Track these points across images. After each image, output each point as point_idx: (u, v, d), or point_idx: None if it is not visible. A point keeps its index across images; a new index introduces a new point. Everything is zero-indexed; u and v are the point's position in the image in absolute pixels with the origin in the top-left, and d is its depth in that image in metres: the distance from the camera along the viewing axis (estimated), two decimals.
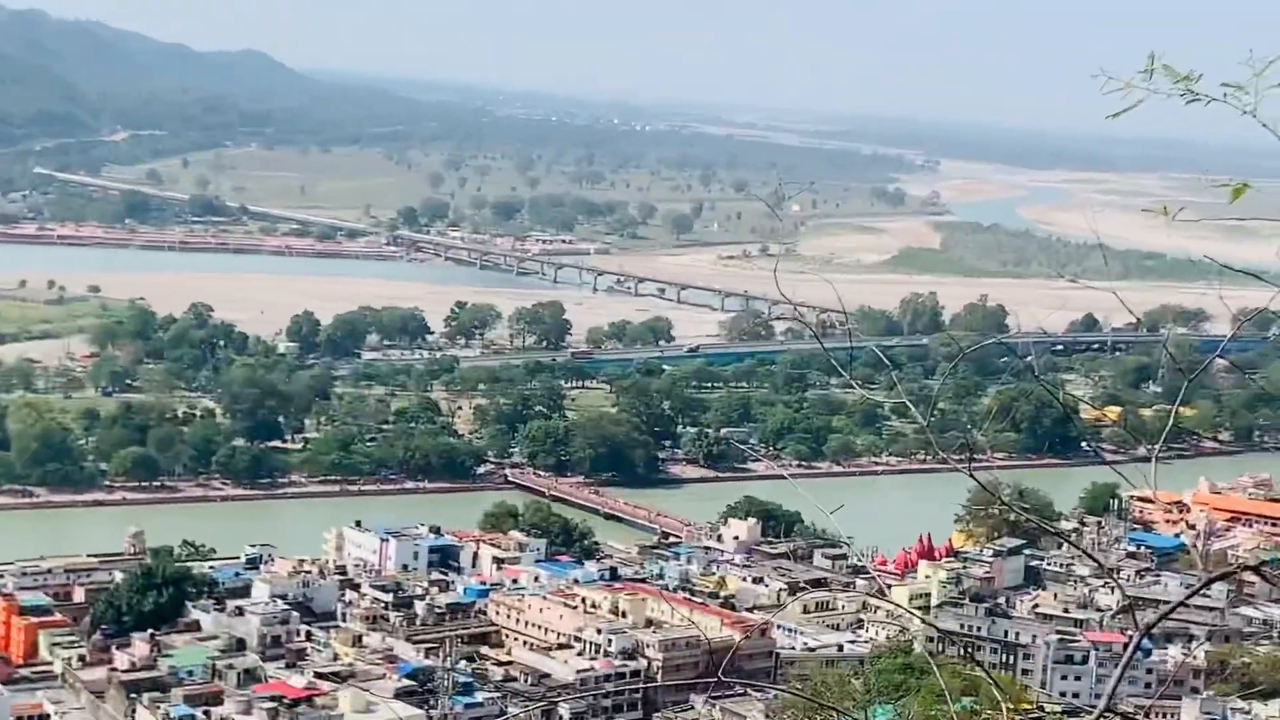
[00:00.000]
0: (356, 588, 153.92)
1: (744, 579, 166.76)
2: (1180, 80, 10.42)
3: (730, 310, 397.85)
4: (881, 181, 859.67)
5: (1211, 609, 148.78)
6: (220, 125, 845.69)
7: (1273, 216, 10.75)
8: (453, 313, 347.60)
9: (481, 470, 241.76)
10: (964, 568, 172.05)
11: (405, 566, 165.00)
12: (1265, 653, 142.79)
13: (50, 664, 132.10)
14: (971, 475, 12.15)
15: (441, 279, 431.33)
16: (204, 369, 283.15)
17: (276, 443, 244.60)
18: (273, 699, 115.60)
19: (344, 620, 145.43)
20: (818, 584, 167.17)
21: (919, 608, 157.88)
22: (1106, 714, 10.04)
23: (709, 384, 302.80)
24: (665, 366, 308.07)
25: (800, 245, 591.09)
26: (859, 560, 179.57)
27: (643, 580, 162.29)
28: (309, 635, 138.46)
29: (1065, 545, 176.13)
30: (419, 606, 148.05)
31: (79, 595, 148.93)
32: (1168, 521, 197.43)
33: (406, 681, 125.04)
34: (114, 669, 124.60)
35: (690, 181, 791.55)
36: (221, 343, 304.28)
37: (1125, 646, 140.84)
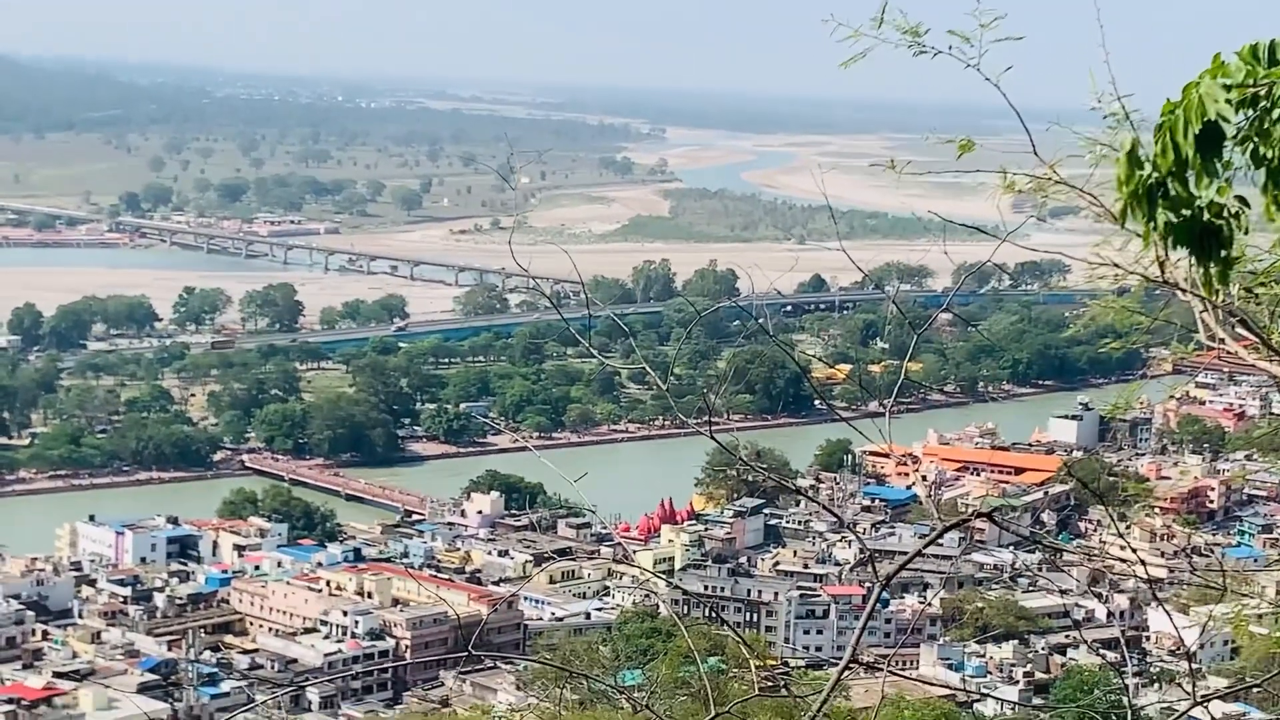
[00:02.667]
0: (93, 583, 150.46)
1: (489, 553, 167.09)
2: (908, 31, 10.73)
3: (465, 285, 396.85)
4: (609, 151, 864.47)
5: (945, 557, 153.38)
6: None
7: (991, 170, 11.16)
8: (181, 299, 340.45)
9: (218, 457, 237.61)
10: (705, 530, 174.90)
11: (143, 559, 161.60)
12: (997, 597, 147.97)
13: None
14: (712, 437, 12.40)
15: (168, 264, 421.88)
16: None
17: (2, 440, 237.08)
18: (10, 701, 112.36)
19: (81, 617, 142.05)
20: (562, 554, 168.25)
21: (664, 572, 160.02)
22: (851, 665, 10.42)
23: (446, 360, 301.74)
24: (401, 344, 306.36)
25: (531, 217, 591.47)
26: (603, 528, 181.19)
27: (387, 560, 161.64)
28: (45, 634, 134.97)
29: (803, 503, 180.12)
30: (159, 599, 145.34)
31: None
32: (900, 474, 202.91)
33: (149, 676, 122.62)
34: None
35: (418, 157, 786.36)
36: None
37: (864, 598, 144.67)
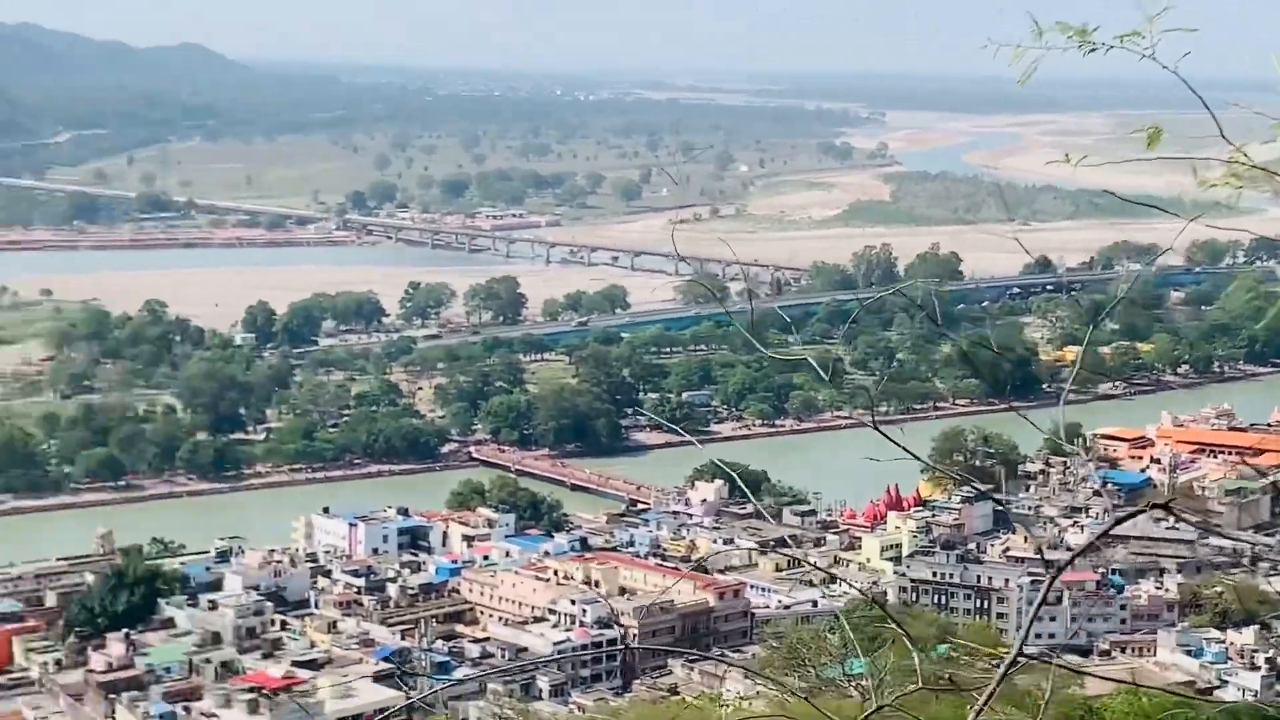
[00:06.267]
0: (328, 574, 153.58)
1: (714, 541, 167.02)
2: (1075, 34, 10.40)
3: (685, 274, 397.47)
4: (828, 136, 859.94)
5: (1182, 541, 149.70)
6: (162, 120, 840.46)
7: (1182, 154, 10.67)
8: (407, 294, 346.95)
9: (445, 449, 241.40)
10: (933, 516, 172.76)
11: (375, 550, 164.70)
12: (1236, 581, 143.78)
13: (27, 670, 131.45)
14: (875, 428, 12.01)
15: (394, 260, 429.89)
16: (162, 365, 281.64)
17: (239, 434, 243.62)
18: (252, 690, 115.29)
19: (317, 607, 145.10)
20: (787, 542, 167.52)
21: (891, 559, 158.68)
22: (1020, 658, 10.10)
23: (668, 349, 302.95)
24: (623, 334, 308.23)
25: (750, 204, 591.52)
26: (828, 515, 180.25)
27: (613, 549, 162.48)
28: (283, 625, 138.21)
29: (1033, 487, 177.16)
30: (392, 589, 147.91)
31: (51, 599, 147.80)
32: (1133, 457, 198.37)
33: (384, 665, 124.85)
34: (91, 671, 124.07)
35: (637, 148, 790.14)
36: (178, 338, 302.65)
37: (1097, 584, 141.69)
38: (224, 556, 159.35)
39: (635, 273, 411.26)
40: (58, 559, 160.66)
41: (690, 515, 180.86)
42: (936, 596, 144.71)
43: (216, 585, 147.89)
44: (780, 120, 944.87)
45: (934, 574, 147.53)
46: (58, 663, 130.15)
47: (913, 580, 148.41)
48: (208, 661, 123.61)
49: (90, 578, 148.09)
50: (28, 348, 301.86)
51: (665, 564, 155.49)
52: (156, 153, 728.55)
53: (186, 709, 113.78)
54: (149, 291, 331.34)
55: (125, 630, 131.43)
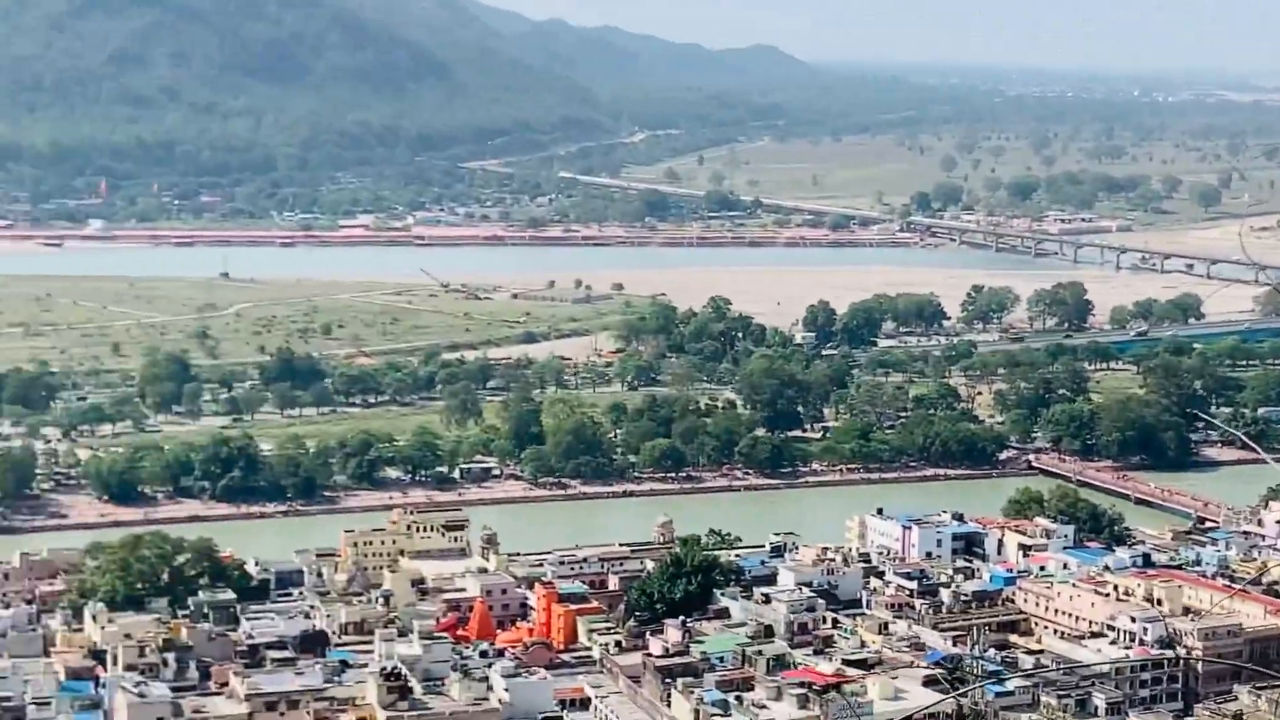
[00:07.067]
0: (880, 575, 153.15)
1: None
2: None
3: (1266, 284, 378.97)
4: None
5: None
6: (732, 121, 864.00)
7: None
8: (969, 297, 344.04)
9: (1003, 456, 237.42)
10: None
11: (929, 554, 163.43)
12: None
13: (589, 649, 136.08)
14: None
15: (956, 263, 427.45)
16: (724, 361, 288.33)
17: (796, 432, 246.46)
18: (802, 685, 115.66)
19: (869, 607, 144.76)
20: None
21: None
22: None
23: (1244, 361, 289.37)
24: (1195, 345, 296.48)
25: None
26: None
27: (1178, 567, 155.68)
28: (835, 622, 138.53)
29: None
30: (945, 594, 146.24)
31: (613, 583, 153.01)
32: None
33: (934, 669, 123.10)
34: (648, 654, 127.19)
35: (1217, 151, 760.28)
36: (740, 335, 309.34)
37: None
38: (778, 551, 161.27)
39: (1211, 281, 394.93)
40: (620, 544, 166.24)
41: (1263, 536, 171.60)
42: None
43: (770, 579, 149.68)
44: None
45: None
46: (618, 644, 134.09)
47: None
48: (760, 653, 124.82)
49: (650, 564, 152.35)
50: (598, 339, 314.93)
51: (1233, 585, 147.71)
52: (726, 152, 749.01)
53: (739, 698, 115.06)
54: (714, 288, 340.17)
55: (682, 618, 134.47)
